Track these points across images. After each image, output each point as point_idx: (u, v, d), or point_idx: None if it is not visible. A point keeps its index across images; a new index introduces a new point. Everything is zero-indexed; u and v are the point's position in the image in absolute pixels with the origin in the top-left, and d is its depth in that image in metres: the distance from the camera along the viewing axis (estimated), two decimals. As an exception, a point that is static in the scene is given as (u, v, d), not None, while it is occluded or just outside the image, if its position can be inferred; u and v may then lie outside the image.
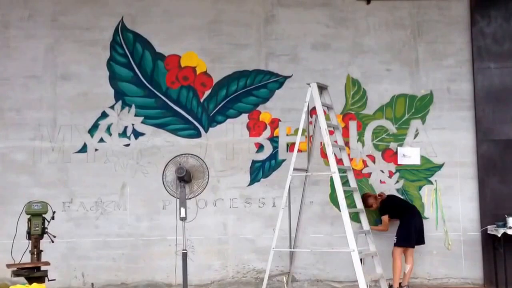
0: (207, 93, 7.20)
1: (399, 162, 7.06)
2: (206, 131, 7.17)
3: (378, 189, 7.09)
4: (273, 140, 7.17)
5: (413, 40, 7.28)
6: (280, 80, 7.22)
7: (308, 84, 6.28)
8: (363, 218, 6.41)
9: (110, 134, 7.13)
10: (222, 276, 7.02)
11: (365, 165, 7.10)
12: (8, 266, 5.18)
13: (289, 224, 6.54)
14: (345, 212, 5.82)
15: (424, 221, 7.00)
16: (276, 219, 7.00)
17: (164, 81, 7.19)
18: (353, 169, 7.01)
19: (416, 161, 7.06)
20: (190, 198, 5.60)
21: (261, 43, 7.27)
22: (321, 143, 7.12)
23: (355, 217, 7.03)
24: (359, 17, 7.31)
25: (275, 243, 6.10)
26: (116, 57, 7.22)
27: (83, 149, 7.10)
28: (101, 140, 7.12)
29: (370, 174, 7.13)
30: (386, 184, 7.11)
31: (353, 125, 7.18)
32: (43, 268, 5.22)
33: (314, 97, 6.13)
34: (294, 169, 6.19)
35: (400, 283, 6.56)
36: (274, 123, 7.18)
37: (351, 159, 7.09)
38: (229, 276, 7.02)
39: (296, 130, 7.11)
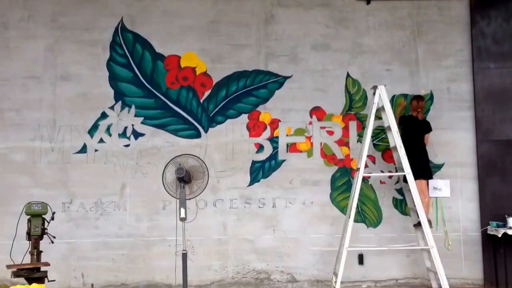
0: (207, 93, 7.19)
1: (430, 195, 6.93)
2: (206, 131, 7.16)
3: (378, 190, 7.09)
4: (273, 140, 7.16)
5: (413, 40, 7.28)
6: (280, 81, 7.22)
7: (375, 86, 6.42)
8: (424, 234, 6.33)
9: (110, 135, 7.12)
10: (222, 277, 7.01)
11: (365, 166, 7.07)
12: (8, 266, 5.19)
13: (346, 223, 6.45)
14: (421, 212, 6.14)
15: (424, 221, 7.03)
16: (276, 219, 7.06)
17: (164, 81, 7.19)
18: (353, 169, 7.06)
19: (447, 193, 7.03)
20: (190, 199, 5.59)
21: (261, 43, 7.26)
22: (321, 143, 7.13)
23: (354, 217, 7.03)
24: (359, 17, 7.31)
25: (347, 242, 6.13)
26: (116, 58, 7.22)
27: (83, 149, 7.10)
28: (101, 140, 7.11)
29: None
30: (386, 184, 7.11)
31: (353, 125, 7.18)
32: (42, 268, 5.23)
33: (384, 100, 6.36)
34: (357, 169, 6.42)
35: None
36: (274, 124, 7.18)
37: (351, 160, 7.10)
38: (229, 276, 7.01)
39: (296, 131, 7.16)
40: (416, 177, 6.39)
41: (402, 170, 6.29)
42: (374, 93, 6.41)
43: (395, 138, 6.33)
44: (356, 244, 6.75)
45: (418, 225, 6.46)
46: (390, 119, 6.37)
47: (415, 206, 6.23)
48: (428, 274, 6.69)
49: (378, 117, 7.11)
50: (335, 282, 6.19)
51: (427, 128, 6.87)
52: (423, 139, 6.84)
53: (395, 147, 6.40)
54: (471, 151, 7.13)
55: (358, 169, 6.41)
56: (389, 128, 6.47)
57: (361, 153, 6.41)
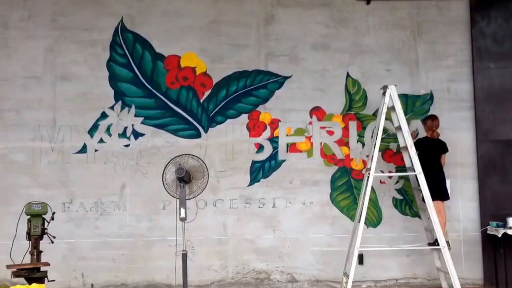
0: (207, 93, 7.19)
1: None
2: (206, 131, 7.16)
3: (378, 190, 7.08)
4: (273, 140, 7.16)
5: (413, 40, 7.28)
6: (280, 81, 7.22)
7: (385, 86, 6.38)
8: (441, 255, 6.36)
9: (110, 135, 7.12)
10: (222, 277, 7.01)
11: (365, 166, 7.08)
12: (8, 267, 5.19)
13: (356, 223, 6.44)
14: (432, 209, 6.10)
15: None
16: (276, 219, 7.06)
17: (164, 81, 7.19)
18: (353, 169, 7.07)
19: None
20: (190, 199, 5.59)
21: (261, 43, 7.26)
22: (321, 143, 7.13)
23: (354, 217, 7.04)
24: (359, 17, 7.31)
25: (358, 243, 6.07)
26: (116, 58, 7.22)
27: (83, 149, 7.09)
28: (101, 140, 7.11)
29: (370, 174, 7.11)
30: (386, 184, 7.11)
31: (353, 125, 7.18)
32: (42, 268, 5.23)
33: (394, 100, 6.33)
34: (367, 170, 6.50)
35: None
36: (274, 124, 7.18)
37: (351, 159, 7.10)
38: (229, 276, 7.01)
39: (296, 131, 7.16)
40: (434, 198, 6.26)
41: (413, 170, 6.27)
42: (384, 93, 6.40)
43: (405, 138, 6.28)
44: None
45: (433, 244, 6.42)
46: (401, 119, 6.32)
47: (431, 225, 6.19)
48: (438, 273, 6.64)
49: (374, 115, 7.12)
50: (346, 282, 6.14)
51: (444, 148, 6.78)
52: (440, 159, 6.75)
53: (405, 147, 6.37)
54: (471, 151, 7.13)
55: (367, 170, 6.43)
56: (399, 128, 6.42)
57: (371, 154, 6.41)
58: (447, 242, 6.25)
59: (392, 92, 6.35)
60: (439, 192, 6.54)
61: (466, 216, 7.05)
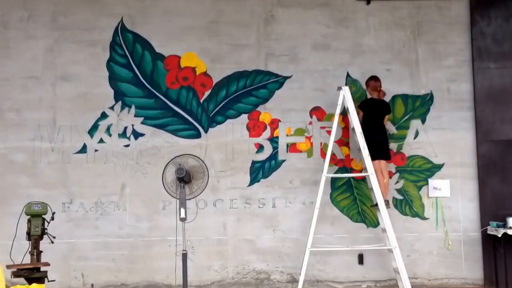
0: (206, 93, 7.19)
1: (430, 195, 7.01)
2: (206, 131, 7.16)
3: (378, 190, 7.10)
4: (273, 140, 7.16)
5: (413, 40, 7.28)
6: (280, 81, 7.22)
7: (340, 87, 6.56)
8: (380, 215, 6.52)
9: (110, 135, 7.12)
10: (222, 277, 7.01)
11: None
12: (8, 267, 5.18)
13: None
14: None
15: (424, 221, 7.02)
16: (276, 219, 7.06)
17: (164, 81, 7.19)
18: (353, 169, 7.07)
19: (447, 193, 7.03)
20: (190, 199, 5.59)
21: (261, 43, 7.26)
22: (321, 143, 7.13)
23: (354, 217, 7.05)
24: (359, 17, 7.30)
25: (310, 243, 6.08)
26: (116, 58, 7.22)
27: (83, 149, 7.09)
28: (101, 140, 7.11)
29: (370, 174, 7.11)
30: (386, 184, 7.11)
31: (353, 126, 7.18)
32: (42, 268, 5.23)
33: (348, 100, 6.51)
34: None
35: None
36: (274, 124, 7.18)
37: (351, 160, 7.10)
38: (229, 277, 7.01)
39: (296, 131, 7.16)
40: (375, 157, 6.55)
41: (367, 170, 6.48)
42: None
43: (358, 139, 6.48)
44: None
45: (376, 205, 6.58)
46: (354, 121, 6.50)
47: (373, 186, 6.43)
48: (395, 275, 6.72)
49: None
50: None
51: (388, 109, 6.93)
52: (383, 120, 6.90)
53: (359, 148, 6.54)
54: (471, 151, 7.13)
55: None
56: (353, 129, 6.60)
57: (328, 152, 6.59)
58: (387, 201, 6.52)
59: (346, 93, 6.51)
60: (382, 152, 6.73)
61: (466, 216, 7.05)
